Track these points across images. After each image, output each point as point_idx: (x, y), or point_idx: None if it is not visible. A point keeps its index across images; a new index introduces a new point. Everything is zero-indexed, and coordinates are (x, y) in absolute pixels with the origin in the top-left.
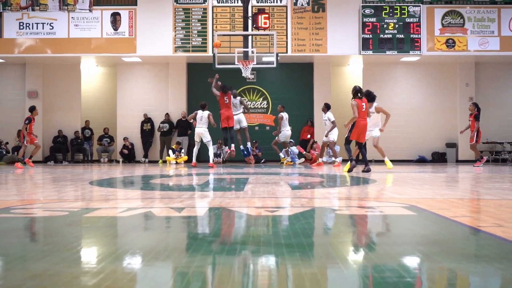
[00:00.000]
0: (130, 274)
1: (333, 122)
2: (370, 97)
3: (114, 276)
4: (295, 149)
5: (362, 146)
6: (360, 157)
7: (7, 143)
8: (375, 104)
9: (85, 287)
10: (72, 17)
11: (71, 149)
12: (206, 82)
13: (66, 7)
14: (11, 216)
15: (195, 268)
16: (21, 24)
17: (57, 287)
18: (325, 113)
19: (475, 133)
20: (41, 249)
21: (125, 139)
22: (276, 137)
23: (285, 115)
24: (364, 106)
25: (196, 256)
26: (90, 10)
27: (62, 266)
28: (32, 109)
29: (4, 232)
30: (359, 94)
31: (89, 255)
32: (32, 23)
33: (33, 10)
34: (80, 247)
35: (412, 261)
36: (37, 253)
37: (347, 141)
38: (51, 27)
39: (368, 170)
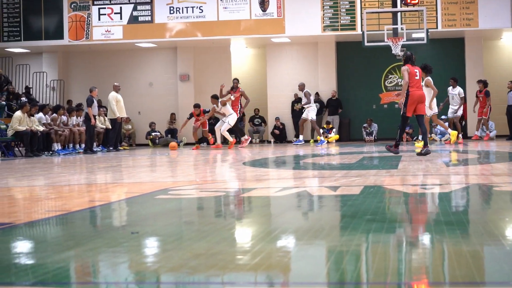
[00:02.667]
0: (288, 253)
1: (462, 98)
2: (427, 69)
3: (272, 255)
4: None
5: (422, 121)
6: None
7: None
8: (427, 77)
9: (246, 266)
10: (221, 0)
11: None
12: (357, 61)
13: None
14: (170, 197)
15: (354, 247)
16: (171, 8)
17: (219, 267)
18: (454, 88)
19: None
20: (202, 229)
21: (276, 119)
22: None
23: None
24: (417, 74)
25: (355, 235)
26: None
27: (224, 246)
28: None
29: (164, 213)
30: (410, 61)
31: (248, 235)
32: (182, 7)
33: None
34: (239, 227)
35: None
36: (198, 233)
37: (405, 119)
38: (201, 11)
39: (427, 152)
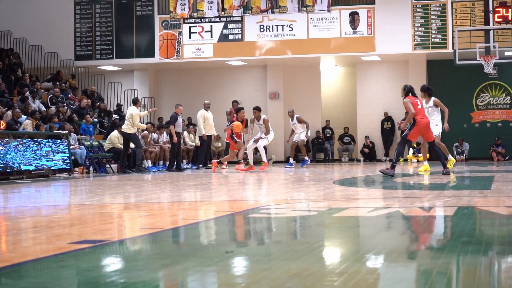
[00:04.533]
0: (385, 274)
1: None
2: (430, 91)
3: (368, 277)
4: None
5: (434, 146)
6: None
7: None
8: (433, 98)
9: (342, 287)
10: (311, 18)
11: (313, 148)
12: (447, 79)
13: (305, 8)
14: (262, 216)
15: (451, 269)
16: (262, 27)
17: (316, 287)
18: None
19: None
20: (296, 249)
21: (366, 138)
22: None
23: None
24: (419, 103)
25: (452, 257)
26: (329, 11)
27: (319, 266)
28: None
29: (257, 232)
30: (410, 94)
31: (342, 255)
32: (272, 26)
33: (272, 12)
34: (333, 247)
35: None
36: (293, 253)
37: (404, 141)
38: (291, 29)
39: (447, 173)
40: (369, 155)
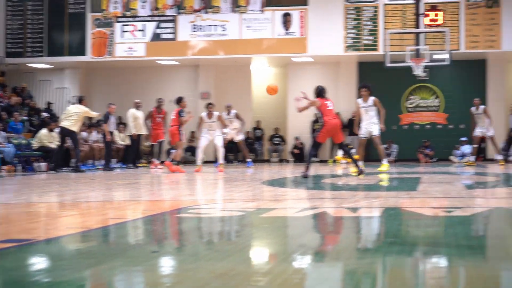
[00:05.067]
0: (310, 275)
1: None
2: (370, 89)
3: (294, 277)
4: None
5: (343, 146)
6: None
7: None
8: (372, 97)
9: (267, 287)
10: (244, 19)
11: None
12: (378, 81)
13: (238, 9)
14: (190, 216)
15: (376, 270)
16: (194, 26)
17: (241, 287)
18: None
19: None
20: (223, 249)
21: (296, 138)
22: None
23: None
24: (329, 105)
25: (377, 257)
26: (262, 11)
27: (245, 267)
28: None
29: (184, 232)
30: (323, 94)
31: (269, 255)
32: (205, 26)
33: (206, 12)
34: (259, 248)
35: None
36: (220, 253)
37: (314, 143)
38: (224, 29)
39: (361, 173)
40: (299, 156)
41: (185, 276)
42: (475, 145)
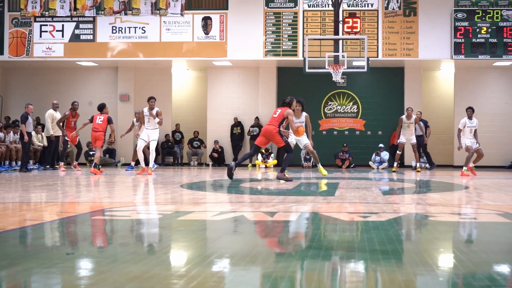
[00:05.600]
0: (225, 278)
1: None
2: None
3: (209, 280)
4: (386, 154)
5: (280, 150)
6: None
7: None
8: (305, 113)
9: None
10: (164, 21)
11: (162, 152)
12: (297, 87)
13: (158, 12)
14: (107, 218)
15: (290, 273)
16: (114, 28)
17: None
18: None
19: None
20: (138, 251)
21: (215, 142)
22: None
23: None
24: (276, 112)
25: (291, 261)
26: (182, 15)
27: (159, 269)
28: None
29: (100, 234)
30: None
31: (185, 258)
32: (125, 27)
33: (125, 14)
34: (175, 250)
35: (508, 269)
36: (134, 256)
37: (254, 146)
38: (143, 31)
39: (280, 178)
40: (218, 160)
41: (99, 278)
42: (399, 152)
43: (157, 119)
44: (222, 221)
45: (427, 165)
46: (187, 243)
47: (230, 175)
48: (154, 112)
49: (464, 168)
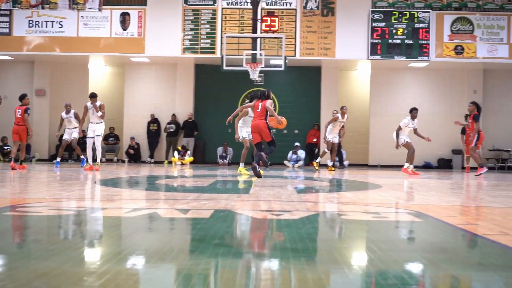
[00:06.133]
0: (135, 275)
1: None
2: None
3: (119, 277)
4: (302, 153)
5: (258, 146)
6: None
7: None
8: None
9: (91, 287)
10: (82, 16)
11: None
12: (215, 84)
13: (75, 6)
14: (17, 214)
15: (200, 271)
16: (31, 22)
17: (63, 287)
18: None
19: (476, 136)
20: (48, 248)
21: (131, 138)
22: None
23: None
24: (259, 106)
25: (202, 258)
26: (100, 10)
27: (69, 266)
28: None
29: (10, 230)
30: (260, 97)
31: (96, 255)
32: (42, 21)
33: (43, 8)
34: (86, 247)
35: (417, 268)
36: (44, 252)
37: (256, 146)
38: (60, 26)
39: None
40: (134, 156)
41: (6, 275)
42: (327, 150)
43: (99, 113)
44: (135, 218)
45: (338, 164)
46: (98, 239)
47: (258, 174)
48: (97, 104)
49: (407, 164)
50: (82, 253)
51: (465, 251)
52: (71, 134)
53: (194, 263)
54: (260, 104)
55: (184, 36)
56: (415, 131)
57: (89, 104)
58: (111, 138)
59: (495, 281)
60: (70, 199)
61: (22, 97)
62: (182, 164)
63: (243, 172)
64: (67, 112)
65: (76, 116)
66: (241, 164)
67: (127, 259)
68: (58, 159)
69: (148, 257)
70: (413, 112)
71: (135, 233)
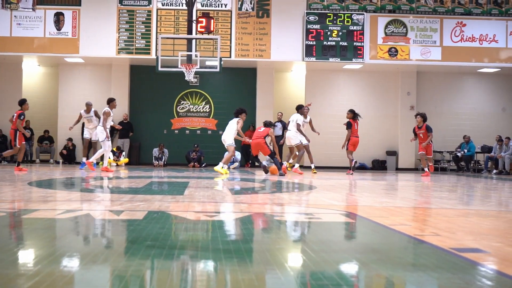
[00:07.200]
0: (67, 277)
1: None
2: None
3: (51, 278)
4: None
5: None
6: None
7: None
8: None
9: None
10: (15, 16)
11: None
12: (150, 85)
13: (8, 5)
14: None
15: (133, 272)
16: None
17: None
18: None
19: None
20: None
21: (68, 140)
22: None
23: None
24: (261, 129)
25: (134, 260)
26: (34, 9)
27: None
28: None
29: None
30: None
31: (27, 257)
32: None
33: None
34: (17, 249)
35: (349, 269)
36: None
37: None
38: None
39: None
40: (68, 157)
41: None
42: (299, 152)
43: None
44: (67, 219)
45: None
46: (29, 241)
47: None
48: (92, 112)
49: (297, 165)
50: (13, 255)
51: (396, 251)
52: (92, 134)
53: (126, 264)
54: (262, 128)
55: (119, 36)
56: (310, 124)
57: (82, 112)
58: (45, 142)
59: (425, 281)
60: (1, 201)
61: (22, 102)
62: (117, 165)
63: (223, 171)
64: (88, 111)
65: (96, 114)
66: (224, 166)
67: (59, 261)
68: (84, 159)
69: (80, 258)
70: (302, 109)
71: (67, 235)
